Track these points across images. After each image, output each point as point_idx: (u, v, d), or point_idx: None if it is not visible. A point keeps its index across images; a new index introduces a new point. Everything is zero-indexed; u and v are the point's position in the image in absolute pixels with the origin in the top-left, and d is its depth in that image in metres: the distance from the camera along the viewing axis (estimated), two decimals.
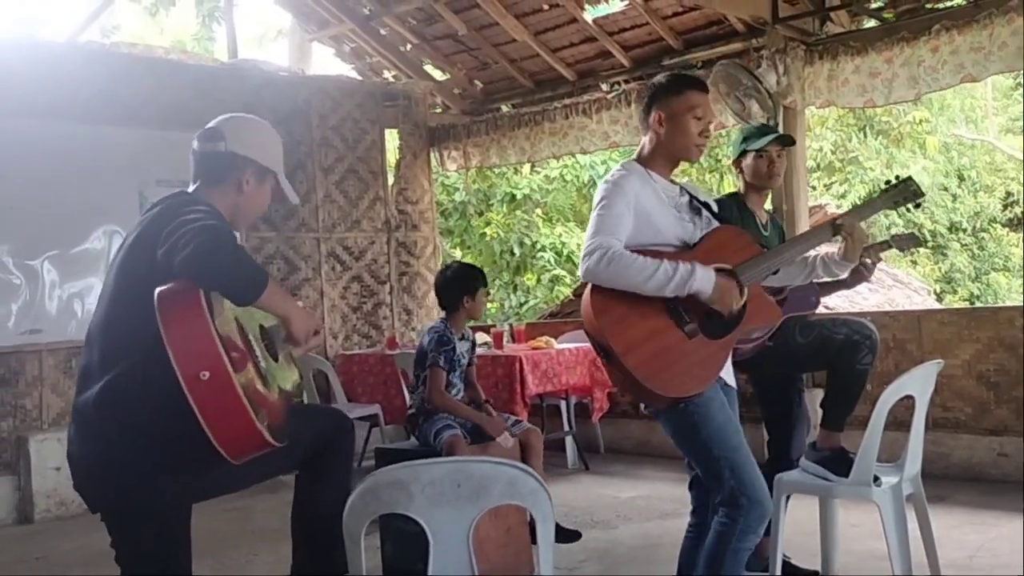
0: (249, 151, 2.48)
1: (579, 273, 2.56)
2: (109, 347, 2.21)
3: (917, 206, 3.21)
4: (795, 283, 3.12)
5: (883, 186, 3.12)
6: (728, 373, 2.74)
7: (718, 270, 2.60)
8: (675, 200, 2.73)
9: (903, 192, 3.06)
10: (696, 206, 2.78)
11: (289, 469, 2.56)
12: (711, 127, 2.73)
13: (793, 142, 3.86)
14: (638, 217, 2.59)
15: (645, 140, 2.76)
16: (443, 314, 4.42)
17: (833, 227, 2.91)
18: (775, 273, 2.83)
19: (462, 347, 4.35)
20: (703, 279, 2.50)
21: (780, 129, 5.48)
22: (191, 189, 2.46)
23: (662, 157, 2.73)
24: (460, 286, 4.31)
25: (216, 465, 2.04)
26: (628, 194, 2.59)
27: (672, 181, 2.79)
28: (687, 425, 2.58)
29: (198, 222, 2.08)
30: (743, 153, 3.57)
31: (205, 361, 1.96)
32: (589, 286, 2.56)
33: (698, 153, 2.73)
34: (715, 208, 2.85)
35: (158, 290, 2.03)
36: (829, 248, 3.37)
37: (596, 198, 2.64)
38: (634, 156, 2.79)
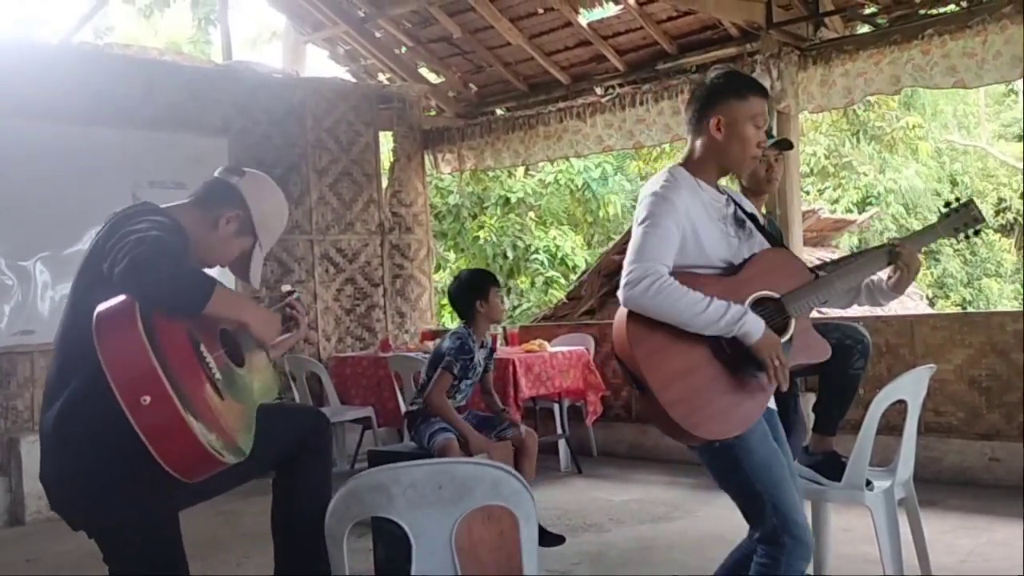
0: (250, 200, 2.43)
1: (620, 298, 2.33)
2: (64, 362, 2.19)
3: (976, 233, 2.84)
4: (834, 308, 2.98)
5: (943, 210, 2.84)
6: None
7: (760, 304, 2.44)
8: (721, 211, 2.51)
9: (964, 218, 2.78)
10: (740, 217, 2.56)
11: (265, 470, 2.50)
12: (765, 137, 2.51)
13: (791, 146, 3.83)
14: (685, 236, 2.38)
15: (696, 144, 2.51)
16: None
17: (890, 255, 2.67)
18: (824, 303, 2.64)
19: (480, 355, 4.34)
20: (753, 326, 2.32)
21: (775, 133, 5.48)
22: (176, 202, 2.42)
23: (714, 165, 2.50)
24: (471, 292, 4.28)
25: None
26: (679, 210, 2.36)
27: (718, 189, 2.57)
28: (727, 460, 2.40)
29: (139, 233, 2.03)
30: None
31: (144, 386, 1.90)
32: (626, 310, 2.36)
33: (753, 165, 2.55)
34: (761, 220, 2.66)
35: (96, 310, 1.99)
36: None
37: (642, 211, 2.39)
38: (680, 160, 2.55)
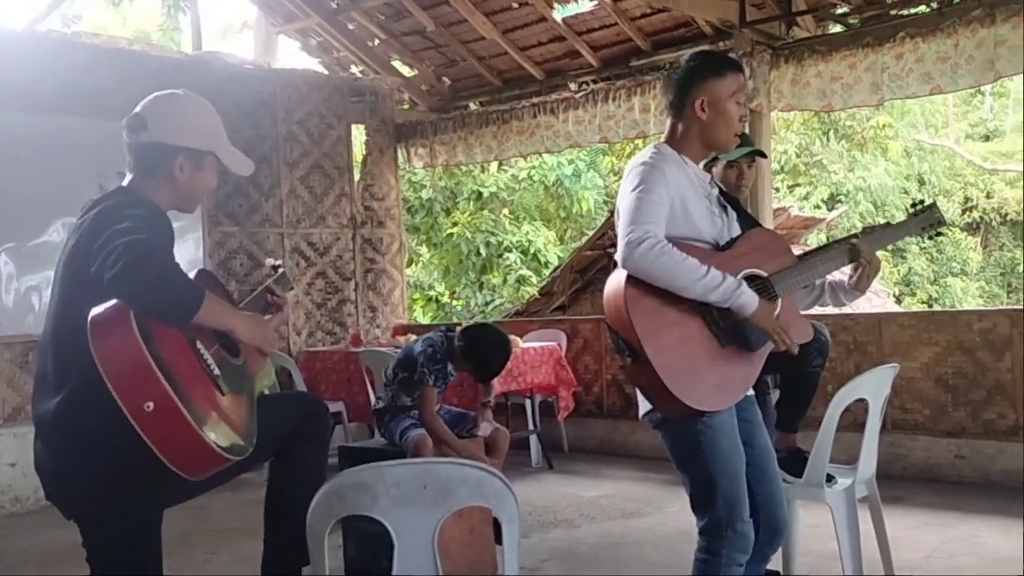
0: (177, 137, 2.30)
1: (617, 259, 2.32)
2: (60, 359, 2.15)
3: (938, 235, 2.90)
4: (801, 308, 3.04)
5: (910, 210, 2.90)
6: None
7: (749, 281, 2.43)
8: (707, 191, 2.54)
9: (929, 219, 2.81)
10: (723, 202, 2.60)
11: (263, 460, 2.50)
12: (745, 113, 2.54)
13: (765, 156, 3.85)
14: (676, 206, 2.39)
15: (679, 125, 2.52)
16: (443, 328, 4.33)
17: (851, 253, 2.70)
18: (805, 288, 2.67)
19: (452, 366, 4.28)
20: (749, 298, 2.35)
21: (747, 130, 5.51)
22: (127, 180, 2.34)
23: (698, 143, 2.52)
24: (483, 365, 4.18)
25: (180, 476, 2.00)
26: (669, 180, 2.38)
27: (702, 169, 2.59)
28: (691, 443, 2.41)
29: (127, 235, 1.99)
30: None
31: (146, 392, 1.89)
32: (622, 276, 2.35)
33: (735, 141, 2.55)
34: (742, 205, 2.69)
35: (91, 315, 1.96)
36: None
37: (632, 181, 2.39)
38: (663, 139, 2.56)
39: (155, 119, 2.30)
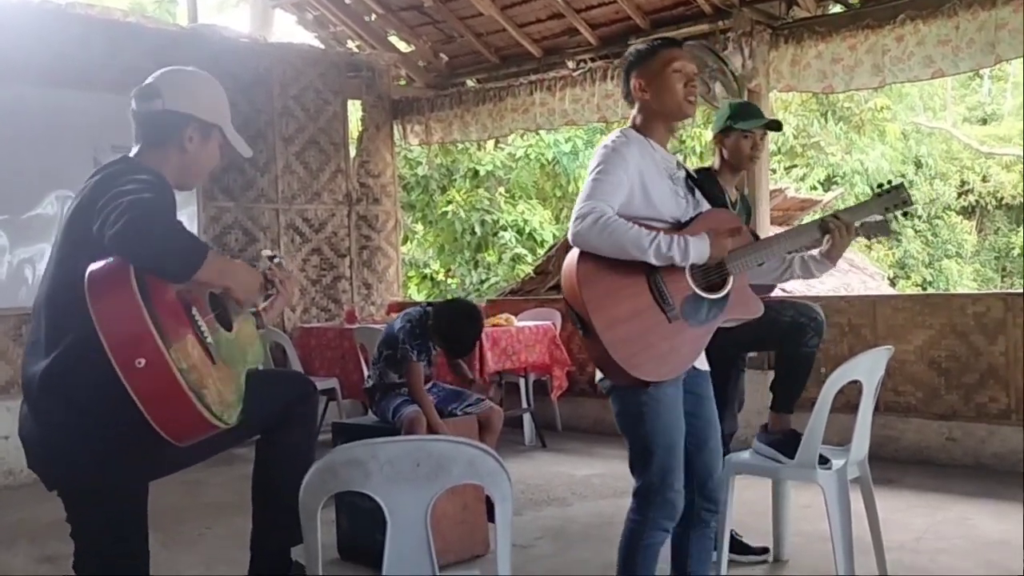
0: (189, 107, 2.33)
1: (568, 236, 2.46)
2: (54, 322, 2.14)
3: (905, 215, 3.00)
4: (768, 280, 3.06)
5: (875, 189, 2.98)
6: (700, 357, 2.67)
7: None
8: (672, 172, 2.65)
9: (894, 199, 2.90)
10: (690, 184, 2.70)
11: (250, 436, 2.49)
12: (695, 80, 2.62)
13: (781, 128, 3.87)
14: (635, 188, 2.51)
15: (635, 112, 2.66)
16: (423, 303, 4.34)
17: (821, 226, 2.81)
18: (760, 265, 2.75)
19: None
20: (698, 246, 2.48)
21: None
22: (133, 152, 2.35)
23: (658, 122, 2.64)
24: (451, 342, 4.17)
25: (168, 444, 1.99)
26: (628, 163, 2.49)
27: (668, 151, 2.70)
28: (635, 412, 2.54)
29: (131, 195, 1.99)
30: (728, 130, 3.57)
31: (139, 348, 1.88)
32: (575, 253, 2.48)
33: (690, 108, 2.63)
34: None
35: (88, 270, 1.96)
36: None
37: (593, 162, 2.53)
38: (629, 125, 2.68)
39: (168, 89, 2.34)
